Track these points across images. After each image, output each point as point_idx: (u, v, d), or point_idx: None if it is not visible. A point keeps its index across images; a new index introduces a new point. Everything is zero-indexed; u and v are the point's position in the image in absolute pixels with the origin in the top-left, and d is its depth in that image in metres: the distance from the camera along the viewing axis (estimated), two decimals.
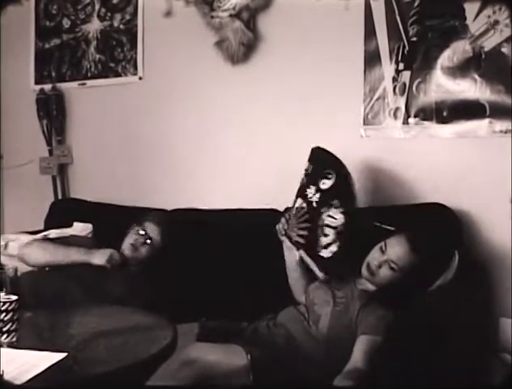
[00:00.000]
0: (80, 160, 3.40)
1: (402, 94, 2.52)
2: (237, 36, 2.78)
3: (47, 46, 3.45)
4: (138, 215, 2.63)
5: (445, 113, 2.44)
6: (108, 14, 3.25)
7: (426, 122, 2.49)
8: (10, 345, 1.62)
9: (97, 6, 3.28)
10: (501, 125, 2.34)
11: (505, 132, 2.33)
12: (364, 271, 2.15)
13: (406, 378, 1.70)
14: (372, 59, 2.58)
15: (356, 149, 2.58)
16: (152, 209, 2.79)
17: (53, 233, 2.78)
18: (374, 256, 2.15)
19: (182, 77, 3.05)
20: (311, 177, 2.29)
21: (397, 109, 2.54)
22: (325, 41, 2.68)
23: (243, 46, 2.80)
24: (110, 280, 2.37)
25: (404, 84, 2.52)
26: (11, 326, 1.64)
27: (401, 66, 2.52)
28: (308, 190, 2.27)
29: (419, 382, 1.71)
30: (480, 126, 2.38)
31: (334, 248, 2.22)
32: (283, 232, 2.30)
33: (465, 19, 2.39)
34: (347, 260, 2.22)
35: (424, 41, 2.47)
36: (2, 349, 1.55)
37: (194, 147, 3.03)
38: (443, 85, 2.44)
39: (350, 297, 2.13)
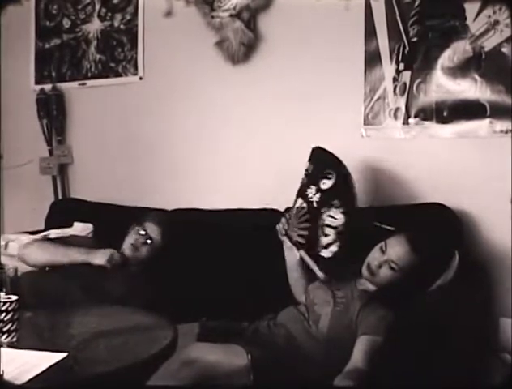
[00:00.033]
0: (80, 160, 3.40)
1: (402, 94, 2.52)
2: (238, 36, 2.78)
3: (47, 46, 3.45)
4: (138, 215, 2.63)
5: (445, 113, 2.44)
6: (109, 14, 3.25)
7: (426, 122, 2.49)
8: (11, 345, 1.62)
9: (97, 6, 3.28)
10: (501, 125, 2.34)
11: (506, 132, 2.33)
12: (364, 271, 2.15)
13: (406, 378, 1.70)
14: (372, 59, 2.58)
15: (356, 149, 2.58)
16: (152, 209, 2.79)
17: (54, 233, 2.79)
18: (374, 256, 2.15)
19: (183, 77, 3.05)
20: (311, 177, 2.29)
21: (397, 109, 2.54)
22: (325, 41, 2.68)
23: (243, 46, 2.80)
24: (110, 280, 2.37)
25: (405, 84, 2.52)
26: (11, 326, 1.65)
27: (401, 66, 2.52)
28: (308, 190, 2.27)
29: (419, 382, 1.71)
30: (481, 126, 2.38)
31: (334, 248, 2.22)
32: (284, 232, 2.30)
33: (465, 19, 2.39)
34: (347, 260, 2.22)
35: (424, 41, 2.47)
36: (2, 349, 1.55)
37: (194, 147, 3.03)
38: (443, 85, 2.44)
39: (350, 297, 2.13)
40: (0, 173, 3.56)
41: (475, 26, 2.36)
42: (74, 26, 3.36)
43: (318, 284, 2.24)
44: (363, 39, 2.59)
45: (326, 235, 2.22)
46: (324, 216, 2.23)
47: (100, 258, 2.37)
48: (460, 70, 2.40)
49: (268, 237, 2.35)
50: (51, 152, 3.41)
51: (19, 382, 1.39)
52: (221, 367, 1.89)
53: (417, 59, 2.49)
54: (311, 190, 2.26)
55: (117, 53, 3.24)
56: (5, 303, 1.64)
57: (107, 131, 3.30)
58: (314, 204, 2.24)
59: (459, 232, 2.33)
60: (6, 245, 2.76)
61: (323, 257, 2.22)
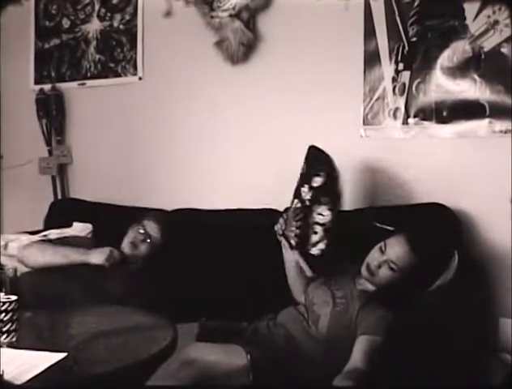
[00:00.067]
0: (80, 160, 3.40)
1: (401, 94, 2.53)
2: (237, 36, 2.78)
3: (47, 46, 3.45)
4: (137, 215, 2.63)
5: (444, 113, 2.44)
6: (108, 14, 3.25)
7: (426, 122, 2.49)
8: (10, 345, 1.62)
9: (97, 6, 3.28)
10: (500, 125, 2.34)
11: (505, 132, 2.33)
12: (363, 271, 2.15)
13: (405, 378, 1.70)
14: (372, 59, 2.58)
15: (355, 149, 2.58)
16: (152, 209, 2.79)
17: (53, 233, 2.79)
18: (374, 256, 2.15)
19: (182, 77, 3.05)
20: (305, 176, 2.29)
21: (397, 109, 2.54)
22: (324, 41, 2.68)
23: (243, 46, 2.80)
24: (110, 280, 2.37)
25: (404, 84, 2.52)
26: (11, 326, 1.65)
27: (401, 66, 2.53)
28: (302, 189, 2.27)
29: (418, 382, 1.71)
30: (480, 126, 2.38)
31: (322, 246, 2.22)
32: (281, 233, 2.30)
33: (465, 19, 2.39)
34: (335, 258, 2.23)
35: (423, 41, 2.48)
36: (2, 349, 1.55)
37: (193, 147, 3.03)
38: (443, 85, 2.44)
39: (349, 297, 2.13)
40: (0, 173, 3.56)
41: (475, 26, 2.37)
42: (74, 26, 3.36)
43: (318, 284, 2.24)
44: (362, 39, 2.59)
45: (315, 233, 2.23)
46: (314, 214, 2.23)
47: (97, 257, 2.37)
48: (459, 70, 2.40)
49: (268, 237, 2.35)
50: (50, 152, 3.41)
51: (18, 382, 1.39)
52: (221, 367, 1.90)
53: (416, 59, 2.49)
54: (304, 189, 2.26)
55: (117, 54, 3.24)
56: (4, 303, 1.64)
57: (106, 131, 3.30)
58: (307, 203, 2.25)
59: (459, 232, 2.33)
60: (6, 246, 2.76)
61: (312, 255, 2.23)
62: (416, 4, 2.48)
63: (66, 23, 3.39)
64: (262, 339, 2.11)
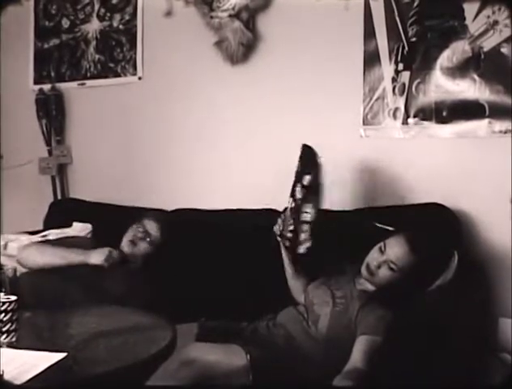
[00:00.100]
0: (79, 160, 3.40)
1: (401, 94, 2.53)
2: (237, 36, 2.78)
3: (46, 46, 3.45)
4: (137, 215, 2.63)
5: (444, 114, 2.45)
6: (108, 14, 3.25)
7: (425, 122, 2.49)
8: (10, 345, 1.62)
9: (97, 6, 3.29)
10: (500, 125, 2.34)
11: (505, 132, 2.33)
12: (363, 271, 2.15)
13: (405, 378, 1.70)
14: (371, 59, 2.58)
15: (355, 149, 2.58)
16: (152, 209, 2.79)
17: (53, 233, 2.79)
18: (373, 256, 2.15)
19: (182, 77, 3.05)
20: (299, 175, 2.29)
21: (396, 109, 2.54)
22: (324, 41, 2.68)
23: (242, 46, 2.80)
24: (109, 280, 2.37)
25: (404, 84, 2.52)
26: (11, 326, 1.64)
27: (400, 66, 2.53)
28: (296, 188, 2.27)
29: (418, 382, 1.71)
30: (480, 126, 2.38)
31: (308, 244, 2.22)
32: (279, 233, 2.30)
33: (464, 19, 2.39)
34: (320, 257, 2.23)
35: (423, 42, 2.48)
36: (2, 349, 1.55)
37: (193, 147, 3.03)
38: (442, 85, 2.44)
39: (349, 297, 2.13)
40: None
41: (475, 26, 2.37)
42: (74, 26, 3.36)
43: (317, 284, 2.24)
44: (362, 39, 2.59)
45: (303, 231, 2.23)
46: (303, 213, 2.23)
47: (96, 257, 2.37)
48: (459, 70, 2.40)
49: (267, 237, 2.34)
50: (50, 152, 3.41)
51: (18, 382, 1.39)
52: (220, 367, 1.90)
53: (416, 59, 2.49)
54: (298, 188, 2.26)
55: (116, 54, 3.24)
56: (4, 303, 1.64)
57: (106, 131, 3.30)
58: (299, 202, 2.25)
59: (458, 232, 2.33)
60: (6, 246, 2.76)
61: (299, 253, 2.23)
62: (415, 4, 2.48)
63: (65, 23, 3.39)
64: (262, 339, 2.11)
